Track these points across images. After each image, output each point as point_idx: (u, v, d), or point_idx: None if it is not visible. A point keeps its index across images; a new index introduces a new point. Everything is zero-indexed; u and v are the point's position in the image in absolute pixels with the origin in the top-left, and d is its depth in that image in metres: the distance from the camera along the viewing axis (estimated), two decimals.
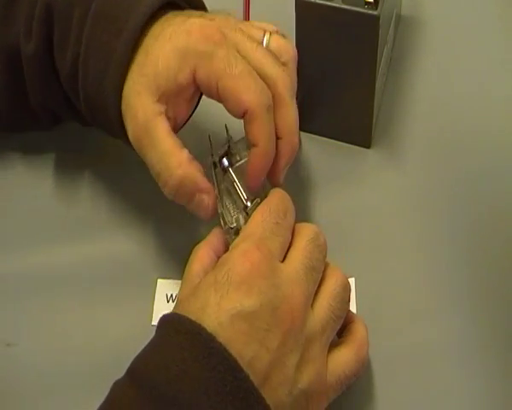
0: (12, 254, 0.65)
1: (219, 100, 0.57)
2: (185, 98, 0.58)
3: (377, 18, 0.61)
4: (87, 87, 0.59)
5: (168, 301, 0.62)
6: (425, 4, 0.78)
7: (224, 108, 0.57)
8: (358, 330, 0.55)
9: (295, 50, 0.61)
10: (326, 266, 0.55)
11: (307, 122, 0.70)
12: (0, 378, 0.59)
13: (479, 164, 0.68)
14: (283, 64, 0.58)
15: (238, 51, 0.56)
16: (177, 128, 0.59)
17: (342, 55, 0.64)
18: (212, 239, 0.57)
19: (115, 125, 0.58)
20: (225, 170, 0.59)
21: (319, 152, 0.69)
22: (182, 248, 0.63)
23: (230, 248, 0.54)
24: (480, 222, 0.65)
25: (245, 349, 0.48)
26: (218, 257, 0.56)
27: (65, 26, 0.59)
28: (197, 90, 0.57)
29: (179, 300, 0.54)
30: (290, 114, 0.57)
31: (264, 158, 0.57)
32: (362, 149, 0.69)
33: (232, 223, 0.57)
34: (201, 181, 0.57)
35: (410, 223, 0.65)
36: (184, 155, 0.56)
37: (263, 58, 0.57)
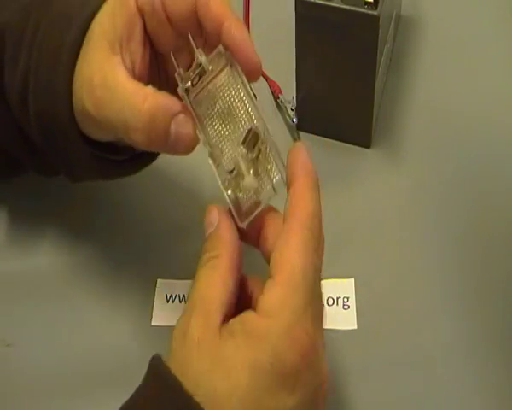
0: (12, 254, 0.65)
1: (165, 14, 0.52)
2: (137, 40, 0.53)
3: (377, 18, 0.61)
4: (37, 95, 0.55)
5: (168, 301, 0.62)
6: (425, 4, 0.78)
7: None
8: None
9: None
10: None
11: (307, 122, 0.70)
12: (0, 378, 0.59)
13: (479, 164, 0.68)
14: None
15: None
16: (136, 78, 0.53)
17: (342, 55, 0.64)
18: (232, 253, 0.48)
19: (68, 131, 0.54)
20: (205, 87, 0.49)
21: (319, 152, 0.69)
22: (182, 248, 0.63)
23: (265, 291, 0.45)
24: (480, 221, 0.65)
25: None
26: (238, 271, 0.48)
27: (16, 47, 0.56)
28: (145, 30, 0.53)
29: (190, 337, 0.45)
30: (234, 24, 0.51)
31: (244, 30, 0.50)
32: (362, 149, 0.69)
33: (229, 165, 0.48)
34: (173, 103, 0.49)
35: (410, 223, 0.65)
36: (149, 89, 0.50)
37: None
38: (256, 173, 0.48)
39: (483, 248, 0.63)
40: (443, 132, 0.70)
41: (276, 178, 0.48)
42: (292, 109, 0.70)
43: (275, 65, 0.73)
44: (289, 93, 0.70)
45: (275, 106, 0.71)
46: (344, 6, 0.61)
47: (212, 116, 0.49)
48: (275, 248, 0.46)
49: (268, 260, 0.47)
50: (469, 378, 0.57)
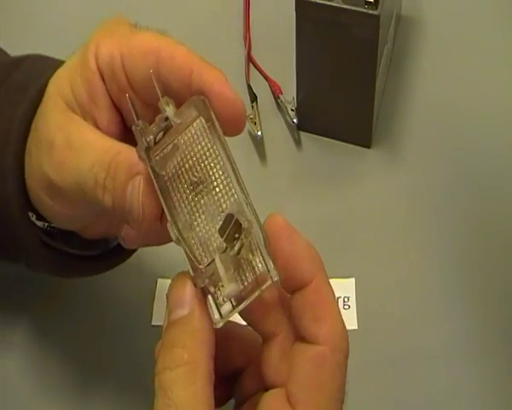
0: None
1: (123, 75, 0.46)
2: (101, 105, 0.47)
3: (377, 18, 0.61)
4: None
5: None
6: (425, 4, 0.78)
7: None
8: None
9: None
10: None
11: (307, 122, 0.70)
12: (0, 378, 0.59)
13: (478, 164, 0.68)
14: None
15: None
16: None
17: (342, 55, 0.64)
18: (209, 358, 0.40)
19: (18, 216, 0.48)
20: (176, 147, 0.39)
21: (319, 152, 0.69)
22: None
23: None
24: (480, 221, 0.64)
25: None
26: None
27: None
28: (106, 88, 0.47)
29: None
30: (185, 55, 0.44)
31: (218, 71, 0.43)
32: (362, 148, 0.69)
33: (202, 261, 0.39)
34: (138, 162, 0.42)
35: (410, 223, 0.65)
36: (123, 144, 0.44)
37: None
38: (237, 269, 0.38)
39: (483, 248, 0.63)
40: (443, 132, 0.70)
41: (261, 270, 0.38)
42: (292, 109, 0.70)
43: (275, 65, 0.73)
44: (289, 93, 0.70)
45: (275, 106, 0.71)
46: (344, 6, 0.61)
47: (180, 181, 0.39)
48: (304, 374, 0.39)
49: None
50: (469, 378, 0.57)
